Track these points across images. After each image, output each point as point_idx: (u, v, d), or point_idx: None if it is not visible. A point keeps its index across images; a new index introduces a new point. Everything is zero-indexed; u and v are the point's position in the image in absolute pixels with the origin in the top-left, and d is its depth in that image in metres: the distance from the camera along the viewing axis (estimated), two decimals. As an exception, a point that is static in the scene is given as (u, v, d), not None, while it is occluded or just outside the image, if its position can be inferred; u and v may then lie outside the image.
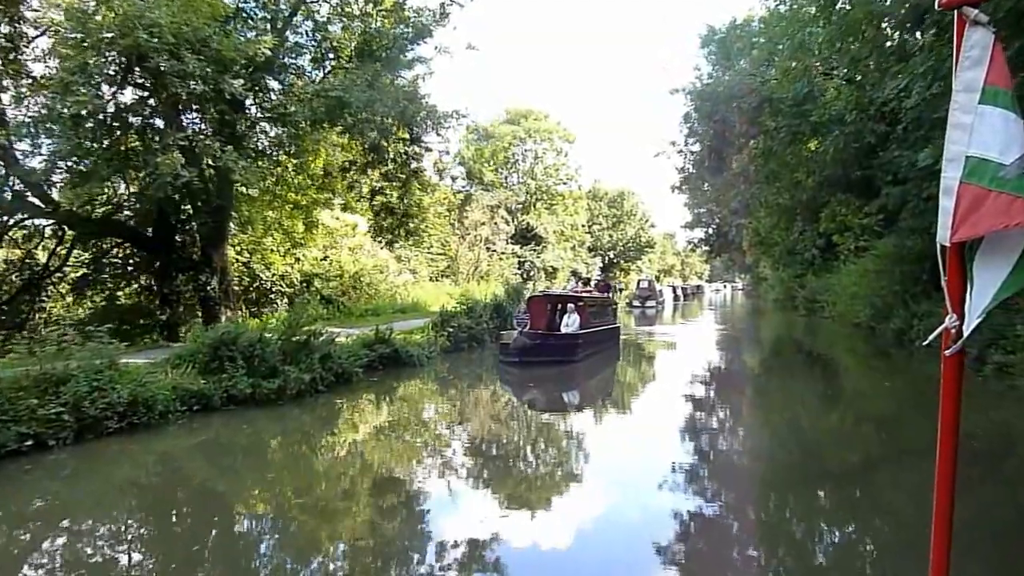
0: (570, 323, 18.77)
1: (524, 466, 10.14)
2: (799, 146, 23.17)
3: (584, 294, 21.14)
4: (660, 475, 8.96)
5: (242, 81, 14.75)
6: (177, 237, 19.30)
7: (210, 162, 15.86)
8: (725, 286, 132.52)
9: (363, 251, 33.45)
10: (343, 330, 21.35)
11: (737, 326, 42.83)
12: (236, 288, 26.11)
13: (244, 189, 22.75)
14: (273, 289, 26.20)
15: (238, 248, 25.71)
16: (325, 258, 28.30)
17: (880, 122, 19.32)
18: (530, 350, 17.59)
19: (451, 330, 22.05)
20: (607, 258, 77.52)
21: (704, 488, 8.92)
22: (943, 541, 2.31)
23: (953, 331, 2.21)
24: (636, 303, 59.42)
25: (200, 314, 19.25)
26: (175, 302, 18.75)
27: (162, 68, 13.16)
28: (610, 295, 24.76)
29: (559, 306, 19.65)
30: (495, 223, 51.49)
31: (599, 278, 27.10)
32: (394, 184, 21.62)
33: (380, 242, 26.60)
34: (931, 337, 2.28)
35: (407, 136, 18.24)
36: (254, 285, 26.12)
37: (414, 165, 20.92)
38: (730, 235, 55.61)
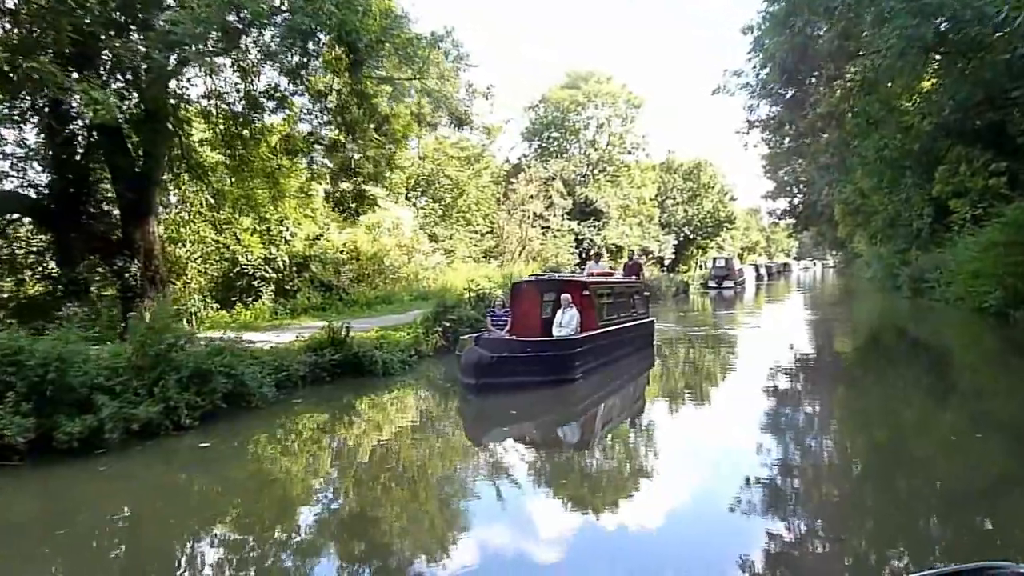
0: (565, 323, 12.82)
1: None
2: (913, 70, 16.85)
3: (595, 279, 15.28)
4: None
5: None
6: (84, 210, 15.20)
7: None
8: (814, 264, 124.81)
9: (381, 229, 29.20)
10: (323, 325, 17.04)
11: (827, 311, 36.52)
12: (214, 274, 22.26)
13: (201, 151, 18.87)
14: (257, 275, 22.02)
15: (219, 227, 21.70)
16: (318, 237, 23.92)
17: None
18: (492, 368, 11.52)
19: (448, 324, 17.33)
20: (682, 235, 70.89)
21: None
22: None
23: None
24: (712, 283, 53.98)
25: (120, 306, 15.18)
26: (83, 292, 14.68)
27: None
28: (640, 278, 18.68)
29: (558, 297, 13.62)
30: (548, 197, 46.14)
31: (631, 258, 20.94)
32: (353, 135, 16.76)
33: (341, 213, 21.82)
34: None
35: (349, 59, 13.35)
36: (235, 271, 22.04)
37: (383, 108, 16.01)
38: (818, 204, 48.63)
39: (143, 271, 15.25)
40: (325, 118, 16.02)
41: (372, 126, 16.50)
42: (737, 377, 16.06)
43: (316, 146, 17.45)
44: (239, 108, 17.56)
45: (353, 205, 19.98)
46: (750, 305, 42.19)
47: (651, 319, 17.81)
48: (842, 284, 64.64)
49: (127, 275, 15.05)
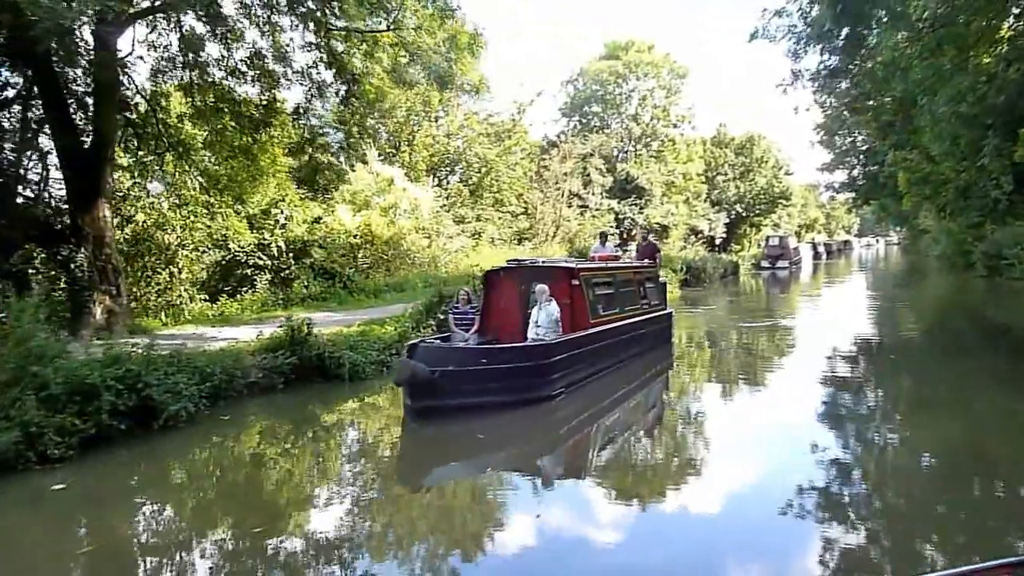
0: (542, 321, 9.91)
1: None
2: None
3: (590, 264, 12.54)
4: None
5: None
6: (21, 191, 13.46)
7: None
8: (877, 241, 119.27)
9: (399, 211, 27.16)
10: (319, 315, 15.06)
11: (890, 292, 33.24)
12: (207, 262, 20.47)
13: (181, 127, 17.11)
14: (250, 263, 20.16)
15: (210, 212, 19.85)
16: (318, 220, 21.91)
17: None
18: (432, 387, 8.78)
19: (443, 317, 15.15)
20: (733, 213, 67.03)
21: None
22: None
23: None
24: (765, 263, 50.86)
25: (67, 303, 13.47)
26: (21, 287, 12.92)
27: None
28: (656, 262, 15.67)
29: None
30: (586, 174, 43.44)
31: (643, 239, 17.85)
32: (316, 96, 14.57)
33: (308, 190, 19.62)
34: None
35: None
36: (227, 258, 20.22)
37: (352, 66, 13.71)
38: (880, 175, 44.74)
39: (92, 261, 13.46)
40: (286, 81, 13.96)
41: (343, 88, 14.32)
42: (782, 384, 12.93)
43: (273, 112, 15.38)
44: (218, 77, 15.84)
45: (321, 182, 17.73)
46: (806, 286, 39.10)
47: (668, 311, 14.95)
48: (907, 263, 60.54)
49: (73, 266, 13.29)
